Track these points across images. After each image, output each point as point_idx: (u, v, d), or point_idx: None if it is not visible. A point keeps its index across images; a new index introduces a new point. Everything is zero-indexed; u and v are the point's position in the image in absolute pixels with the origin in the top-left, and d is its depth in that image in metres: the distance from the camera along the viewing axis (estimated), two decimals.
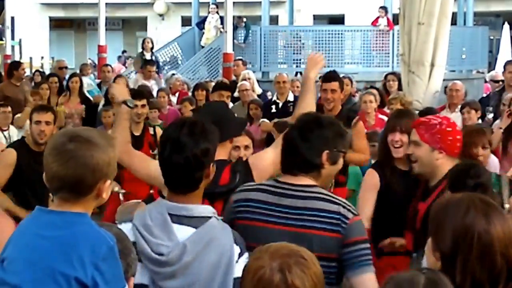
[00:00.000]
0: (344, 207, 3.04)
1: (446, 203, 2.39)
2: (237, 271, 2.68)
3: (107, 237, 2.26)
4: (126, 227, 2.71)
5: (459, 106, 8.25)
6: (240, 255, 2.77)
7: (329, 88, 6.35)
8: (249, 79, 10.58)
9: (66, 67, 12.13)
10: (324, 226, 2.99)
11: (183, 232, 2.74)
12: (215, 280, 2.72)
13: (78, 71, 12.81)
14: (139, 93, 7.31)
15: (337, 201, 3.07)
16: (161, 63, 17.46)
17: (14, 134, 9.24)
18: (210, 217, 2.80)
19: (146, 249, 2.71)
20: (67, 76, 11.70)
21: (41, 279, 2.19)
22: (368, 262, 3.01)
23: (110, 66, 12.89)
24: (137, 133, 6.83)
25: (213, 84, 11.05)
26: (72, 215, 2.28)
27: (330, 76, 6.64)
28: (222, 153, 3.63)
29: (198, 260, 2.71)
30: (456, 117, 8.09)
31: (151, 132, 7.12)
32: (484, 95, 14.04)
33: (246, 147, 4.87)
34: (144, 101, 6.97)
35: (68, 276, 2.18)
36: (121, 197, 6.26)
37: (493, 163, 6.37)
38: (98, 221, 2.41)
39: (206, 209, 2.83)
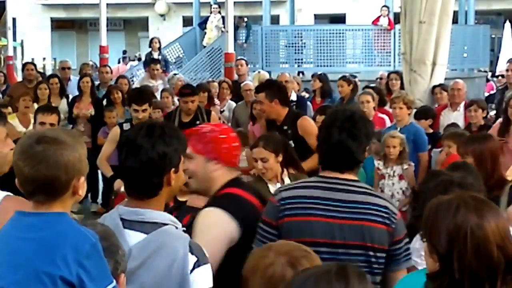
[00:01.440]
0: (390, 203, 3.21)
1: (436, 206, 2.37)
2: (195, 283, 2.59)
3: (89, 234, 2.26)
4: None
5: (461, 105, 8.28)
6: (197, 265, 2.60)
7: (257, 99, 6.34)
8: (263, 80, 10.58)
9: (69, 68, 12.13)
10: (376, 218, 3.09)
11: (134, 238, 2.63)
12: None
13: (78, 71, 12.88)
14: (140, 98, 7.28)
15: (383, 196, 3.26)
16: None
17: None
18: (165, 224, 2.66)
19: None
20: (71, 77, 11.73)
21: (25, 280, 2.20)
22: (410, 255, 3.22)
23: (109, 67, 12.88)
24: None
25: (215, 84, 11.10)
26: (51, 215, 2.29)
27: (256, 87, 6.67)
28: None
29: (144, 267, 2.58)
30: (458, 115, 8.12)
31: None
32: (486, 94, 14.09)
33: (263, 159, 4.88)
34: (145, 106, 7.03)
35: (53, 275, 2.18)
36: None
37: None
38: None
39: (162, 216, 2.69)
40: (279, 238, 3.08)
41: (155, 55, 15.18)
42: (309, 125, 6.27)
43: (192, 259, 2.59)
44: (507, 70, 9.38)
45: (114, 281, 2.31)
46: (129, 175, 2.69)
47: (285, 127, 6.31)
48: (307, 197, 3.15)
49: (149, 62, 13.68)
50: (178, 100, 7.96)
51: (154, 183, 2.66)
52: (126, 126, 7.12)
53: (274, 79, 9.94)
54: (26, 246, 2.24)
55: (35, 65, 11.75)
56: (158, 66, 12.70)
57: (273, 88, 6.50)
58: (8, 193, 2.94)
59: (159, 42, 15.73)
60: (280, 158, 4.91)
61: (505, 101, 7.15)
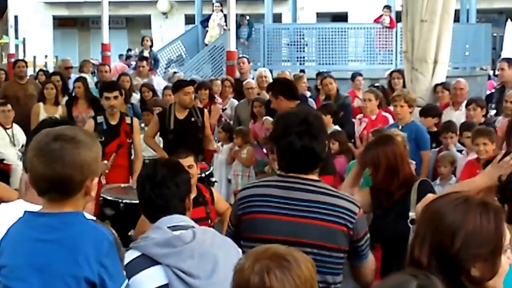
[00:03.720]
0: (350, 201, 3.18)
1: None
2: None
3: (106, 232, 2.27)
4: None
5: (463, 104, 8.27)
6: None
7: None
8: (265, 77, 10.59)
9: (71, 67, 12.16)
10: (334, 219, 3.10)
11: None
12: (231, 267, 2.63)
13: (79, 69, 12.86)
14: (111, 85, 7.68)
15: (342, 196, 3.21)
16: (165, 61, 17.51)
17: (18, 132, 9.26)
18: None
19: (156, 239, 2.76)
20: (72, 75, 11.74)
21: (50, 283, 2.19)
22: (369, 249, 3.27)
23: (108, 65, 12.89)
24: (113, 122, 7.21)
25: (218, 82, 11.10)
26: (67, 215, 2.27)
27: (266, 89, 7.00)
28: None
29: (213, 243, 2.83)
30: (460, 115, 8.11)
31: (128, 121, 7.37)
32: (488, 92, 14.08)
33: (189, 166, 4.97)
34: (116, 93, 7.27)
35: (77, 277, 2.18)
36: (103, 180, 6.50)
37: None
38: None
39: (192, 222, 2.97)
40: (237, 235, 3.23)
41: (146, 53, 15.17)
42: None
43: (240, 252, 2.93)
44: (498, 69, 9.38)
45: (127, 279, 2.34)
46: (163, 202, 2.93)
47: None
48: (265, 195, 3.19)
49: (138, 60, 13.70)
50: (176, 94, 7.95)
51: (182, 204, 3.01)
52: (100, 119, 7.29)
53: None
54: (47, 248, 2.22)
55: (25, 62, 11.73)
56: (144, 63, 12.67)
57: (276, 86, 6.65)
58: None
59: (151, 40, 15.73)
60: None
61: (505, 99, 7.17)
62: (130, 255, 2.69)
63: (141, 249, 2.72)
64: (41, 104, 9.61)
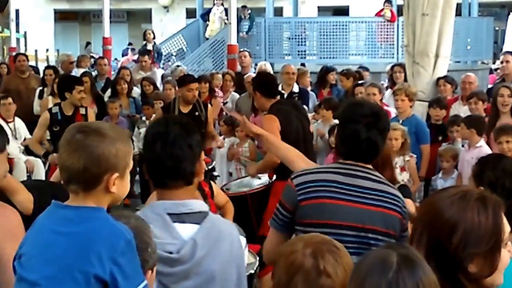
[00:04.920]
0: (398, 191, 3.34)
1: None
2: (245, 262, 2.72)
3: (124, 231, 2.22)
4: None
5: None
6: (245, 245, 2.79)
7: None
8: (265, 70, 10.59)
9: (74, 62, 12.19)
10: (393, 207, 3.21)
11: (186, 230, 2.64)
12: (231, 275, 2.66)
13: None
14: (78, 80, 8.14)
15: (394, 187, 3.37)
16: (166, 55, 17.50)
17: (20, 126, 9.28)
18: (208, 212, 2.73)
19: None
20: (74, 70, 11.74)
21: (59, 276, 2.17)
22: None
23: (107, 59, 12.90)
24: (68, 113, 7.52)
25: (219, 75, 11.10)
26: (88, 210, 2.26)
27: None
28: None
29: (210, 255, 2.61)
30: (467, 109, 8.10)
31: (82, 112, 7.62)
32: (490, 85, 14.05)
33: None
34: (80, 88, 7.66)
35: (87, 273, 2.15)
36: None
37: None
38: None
39: (202, 204, 2.76)
40: (292, 221, 3.23)
41: (149, 46, 15.18)
42: (265, 125, 6.10)
43: (243, 240, 2.76)
44: (501, 62, 9.37)
45: (146, 280, 2.27)
46: (173, 163, 2.67)
47: None
48: (330, 180, 3.22)
49: (141, 53, 13.72)
50: (179, 89, 7.98)
51: (192, 171, 2.70)
52: (55, 110, 7.59)
53: (263, 71, 9.95)
54: (60, 240, 2.21)
55: (26, 56, 11.75)
56: (147, 57, 12.69)
57: (255, 81, 6.66)
58: None
59: (153, 33, 15.74)
60: None
61: (493, 92, 7.19)
62: None
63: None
64: (50, 97, 9.66)
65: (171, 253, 2.56)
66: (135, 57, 18.93)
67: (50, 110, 7.71)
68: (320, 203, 3.19)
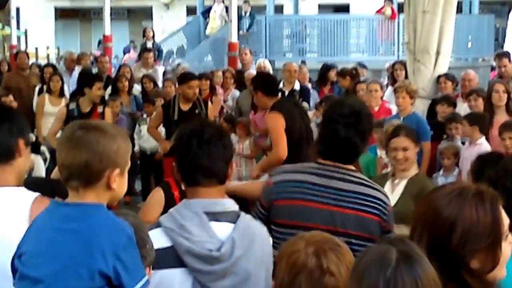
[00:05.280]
0: (383, 193, 3.27)
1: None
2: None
3: (125, 226, 2.25)
4: (155, 233, 2.58)
5: None
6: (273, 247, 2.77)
7: None
8: (264, 67, 10.58)
9: (77, 59, 12.23)
10: (371, 210, 3.16)
11: (221, 229, 2.64)
12: (262, 276, 2.66)
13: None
14: (99, 76, 8.33)
15: (377, 187, 3.27)
16: (167, 52, 17.50)
17: None
18: (239, 211, 2.74)
19: (193, 248, 2.55)
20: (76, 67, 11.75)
21: (63, 272, 2.18)
22: None
23: (108, 57, 12.92)
24: (85, 110, 7.63)
25: (220, 73, 11.09)
26: (88, 206, 2.27)
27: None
28: None
29: (246, 255, 2.61)
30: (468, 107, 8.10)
31: (99, 110, 7.73)
32: None
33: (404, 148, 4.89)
34: (100, 84, 7.82)
35: (91, 269, 2.17)
36: None
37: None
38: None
39: (234, 204, 2.76)
40: (268, 220, 3.21)
41: (149, 44, 15.19)
42: (270, 122, 6.23)
43: (271, 242, 2.77)
44: (499, 67, 9.42)
45: (147, 276, 2.29)
46: (209, 162, 2.68)
47: None
48: (302, 181, 3.20)
49: (142, 51, 13.72)
50: (180, 87, 7.99)
51: (226, 171, 2.73)
52: (72, 106, 7.73)
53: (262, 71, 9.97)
54: (63, 237, 2.22)
55: (27, 54, 11.75)
56: (151, 55, 12.71)
57: (256, 80, 6.71)
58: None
59: (153, 31, 15.74)
60: (417, 149, 4.94)
61: (488, 88, 7.20)
62: (160, 239, 2.57)
63: (173, 241, 2.58)
64: (46, 95, 9.66)
65: (211, 250, 2.56)
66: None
67: (67, 106, 7.78)
68: (292, 204, 3.18)
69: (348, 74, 10.04)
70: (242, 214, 2.72)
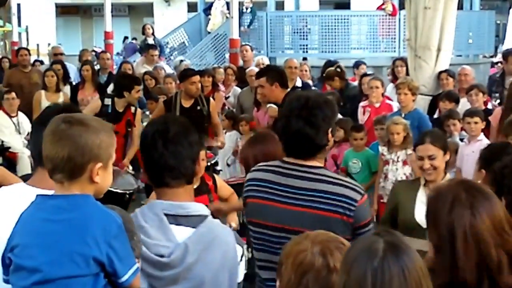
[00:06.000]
0: (351, 189, 3.10)
1: (436, 193, 2.37)
2: (240, 274, 2.67)
3: (115, 216, 2.31)
4: None
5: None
6: (241, 256, 2.68)
7: (259, 84, 6.43)
8: (263, 64, 10.60)
9: (62, 54, 12.18)
10: (330, 207, 3.04)
11: (181, 233, 2.57)
12: (223, 284, 2.58)
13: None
14: (138, 80, 8.21)
15: (344, 183, 3.12)
16: (168, 49, 17.49)
17: (24, 120, 9.30)
18: (207, 216, 2.65)
19: (145, 252, 2.50)
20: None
21: (59, 260, 2.24)
22: None
23: (110, 53, 12.92)
24: (119, 109, 7.63)
25: (221, 70, 11.10)
26: (77, 197, 2.32)
27: (257, 72, 6.79)
28: None
29: (201, 261, 2.53)
30: (465, 102, 8.11)
31: (132, 110, 7.72)
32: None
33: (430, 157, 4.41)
34: (138, 87, 7.82)
35: (86, 255, 2.23)
36: None
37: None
38: None
39: (202, 207, 2.67)
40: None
41: (150, 40, 15.19)
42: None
43: (239, 250, 2.66)
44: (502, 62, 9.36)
45: (137, 263, 2.35)
46: (175, 161, 2.61)
47: None
48: (263, 180, 3.20)
49: (145, 48, 13.71)
50: (182, 83, 8.03)
51: (193, 170, 2.65)
52: (107, 101, 7.69)
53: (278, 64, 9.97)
54: (55, 227, 2.27)
55: (28, 50, 11.76)
56: (156, 51, 12.73)
57: (273, 72, 6.59)
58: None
59: (152, 27, 15.75)
60: (447, 157, 4.48)
61: (509, 88, 7.17)
62: None
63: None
64: (42, 91, 9.67)
65: (162, 256, 2.52)
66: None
67: (102, 100, 7.78)
68: (255, 202, 3.19)
69: (333, 75, 9.95)
70: (208, 219, 2.64)
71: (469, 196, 2.29)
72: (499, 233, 2.23)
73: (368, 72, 10.45)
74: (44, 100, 9.51)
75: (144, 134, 2.70)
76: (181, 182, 2.63)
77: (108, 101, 7.63)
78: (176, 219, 2.59)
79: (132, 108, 7.71)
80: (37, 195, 2.38)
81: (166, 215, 2.58)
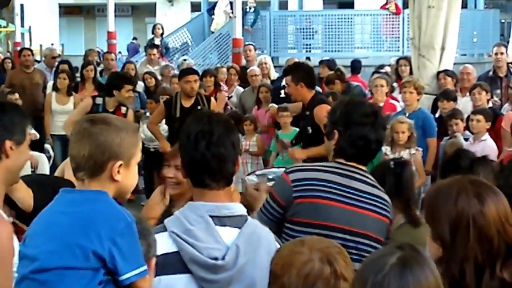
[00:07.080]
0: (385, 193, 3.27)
1: (437, 190, 2.37)
2: None
3: (126, 214, 2.30)
4: (161, 237, 2.48)
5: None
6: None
7: (285, 82, 6.41)
8: (265, 63, 10.56)
9: (59, 56, 12.22)
10: (384, 212, 3.18)
11: (227, 234, 2.52)
12: (267, 282, 2.53)
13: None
14: (128, 79, 8.11)
15: (382, 190, 3.28)
16: (171, 49, 17.46)
17: None
18: (247, 216, 2.62)
19: (197, 256, 2.44)
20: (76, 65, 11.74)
21: (58, 250, 2.24)
22: None
23: (114, 54, 12.92)
24: (109, 109, 7.49)
25: (224, 69, 11.05)
26: (92, 192, 2.34)
27: (284, 70, 6.83)
28: None
29: (251, 262, 2.48)
30: (467, 101, 8.07)
31: (123, 111, 7.59)
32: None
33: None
34: (129, 87, 7.68)
35: (85, 248, 2.23)
36: None
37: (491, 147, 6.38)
38: None
39: (242, 208, 2.64)
40: (282, 218, 3.15)
41: (157, 41, 15.18)
42: (322, 115, 6.19)
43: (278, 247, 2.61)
44: (495, 54, 9.31)
45: (146, 266, 2.32)
46: (218, 164, 2.55)
47: (307, 113, 6.31)
48: (327, 180, 3.15)
49: (147, 47, 13.73)
50: (179, 83, 8.01)
51: (233, 171, 2.61)
52: (99, 101, 7.65)
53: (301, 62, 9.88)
54: (63, 219, 2.30)
55: (31, 51, 11.73)
56: (155, 51, 12.71)
57: (299, 71, 6.44)
58: None
59: (162, 28, 15.74)
60: None
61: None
62: (166, 244, 2.47)
63: (179, 247, 2.47)
64: (53, 93, 9.64)
65: (216, 259, 2.46)
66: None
67: (94, 98, 7.76)
68: (315, 202, 3.12)
69: (334, 79, 9.86)
70: (249, 219, 2.62)
71: (475, 187, 2.31)
72: (502, 223, 2.26)
73: (372, 71, 10.42)
74: (54, 103, 9.51)
75: (187, 132, 2.60)
76: (221, 185, 2.59)
77: (99, 100, 7.61)
78: (221, 220, 2.54)
79: (123, 108, 7.60)
80: (60, 190, 2.42)
81: (210, 216, 2.53)
